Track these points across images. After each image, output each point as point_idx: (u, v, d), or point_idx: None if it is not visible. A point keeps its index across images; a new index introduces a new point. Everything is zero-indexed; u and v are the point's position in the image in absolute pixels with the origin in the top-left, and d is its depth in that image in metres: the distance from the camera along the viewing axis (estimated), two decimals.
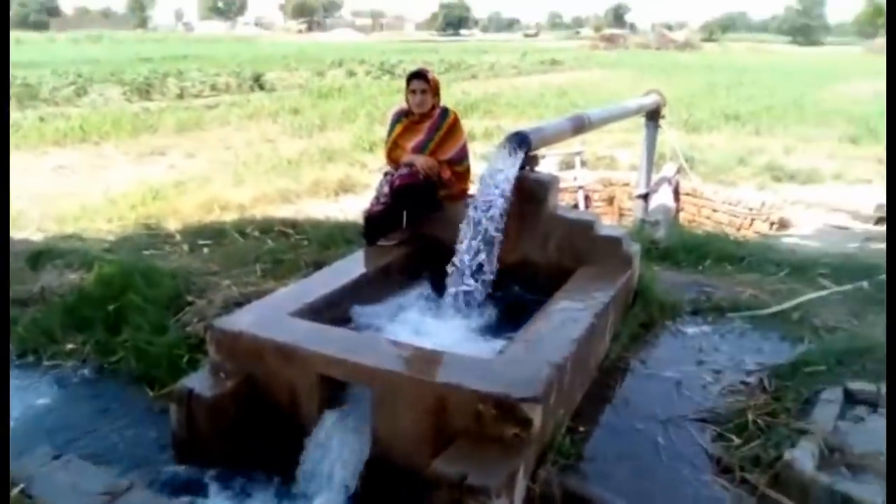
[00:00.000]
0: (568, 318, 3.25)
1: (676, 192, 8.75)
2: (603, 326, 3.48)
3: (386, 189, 4.20)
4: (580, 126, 5.22)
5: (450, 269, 3.81)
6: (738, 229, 8.25)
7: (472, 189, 4.36)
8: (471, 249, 3.80)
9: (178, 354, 3.72)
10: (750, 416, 2.99)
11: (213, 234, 5.46)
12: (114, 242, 5.37)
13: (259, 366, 3.01)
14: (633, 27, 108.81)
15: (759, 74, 29.27)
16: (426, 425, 2.67)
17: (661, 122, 7.91)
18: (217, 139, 12.76)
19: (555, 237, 4.08)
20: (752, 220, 8.17)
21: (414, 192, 4.11)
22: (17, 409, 3.33)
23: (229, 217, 6.14)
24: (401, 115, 4.34)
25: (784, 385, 3.22)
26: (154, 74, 22.35)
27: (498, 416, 2.54)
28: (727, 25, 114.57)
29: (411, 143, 4.25)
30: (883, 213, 7.36)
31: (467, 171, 4.41)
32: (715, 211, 8.65)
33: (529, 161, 4.15)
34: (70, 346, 3.97)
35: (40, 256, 4.77)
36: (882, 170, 9.35)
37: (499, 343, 3.40)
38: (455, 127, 4.31)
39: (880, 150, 11.01)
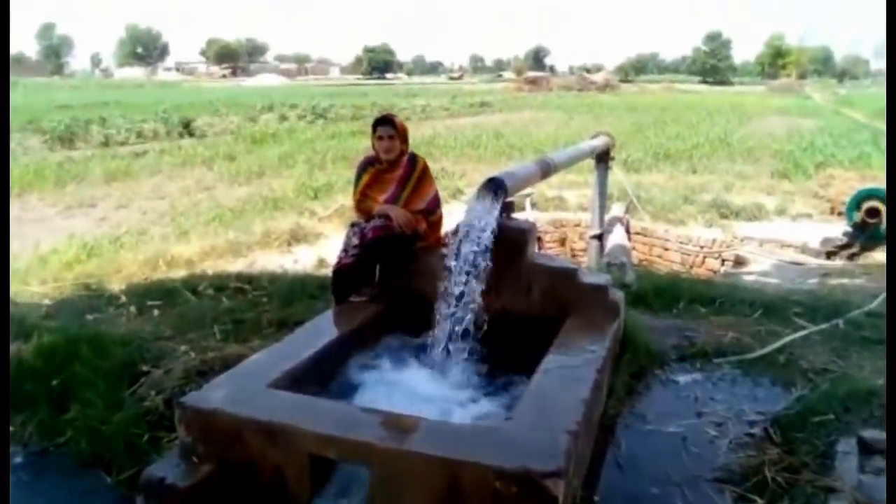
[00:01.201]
0: (570, 375, 3.05)
1: (627, 232, 8.79)
2: (602, 381, 3.31)
3: (356, 241, 3.96)
4: (547, 170, 5.12)
5: (434, 325, 3.58)
6: (691, 267, 8.33)
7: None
8: (453, 303, 3.58)
9: (136, 433, 3.34)
10: (768, 474, 2.85)
11: (163, 293, 5.05)
12: (51, 307, 4.89)
13: (238, 448, 2.69)
14: (552, 69, 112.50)
15: (679, 113, 30.48)
16: None
17: (611, 162, 7.95)
18: (149, 188, 12.18)
19: (538, 286, 3.91)
20: (704, 257, 8.27)
21: (388, 243, 3.89)
22: None
23: (178, 274, 5.73)
24: (367, 164, 4.14)
25: (794, 436, 3.10)
26: (75, 122, 21.40)
27: (519, 495, 2.30)
28: (640, 67, 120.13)
29: (383, 196, 4.04)
30: (830, 248, 7.58)
31: (440, 219, 4.24)
32: (666, 249, 8.73)
33: (507, 208, 4.00)
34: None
35: None
36: (819, 204, 9.71)
37: (496, 403, 3.19)
38: (425, 175, 4.15)
39: (811, 184, 11.49)
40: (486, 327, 3.57)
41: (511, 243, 3.84)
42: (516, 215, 4.48)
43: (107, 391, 3.58)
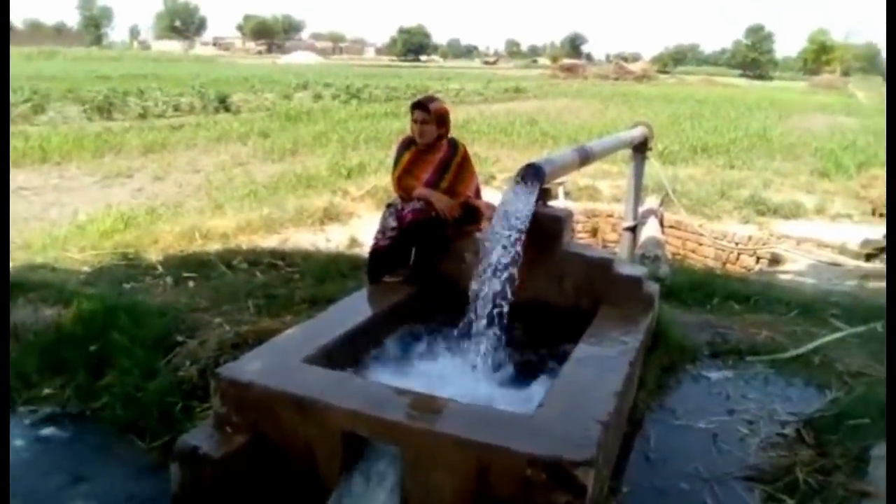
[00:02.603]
0: (603, 366, 3.03)
1: (661, 225, 8.69)
2: (634, 373, 3.28)
3: (393, 223, 3.96)
4: (585, 158, 5.07)
5: (467, 310, 3.58)
6: (724, 264, 8.21)
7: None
8: (488, 290, 3.57)
9: (170, 402, 3.41)
10: (800, 475, 2.82)
11: (198, 265, 5.12)
12: (90, 274, 4.98)
13: (272, 420, 2.72)
14: (589, 57, 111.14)
15: (717, 106, 29.90)
16: (465, 492, 2.40)
17: (648, 154, 7.85)
18: (185, 161, 12.33)
19: (571, 276, 3.89)
20: (739, 254, 8.15)
21: (426, 227, 3.89)
22: None
23: (213, 247, 5.79)
24: (409, 144, 4.11)
25: (828, 439, 3.06)
26: (114, 93, 21.66)
27: (548, 483, 2.30)
28: (679, 58, 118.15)
29: (423, 176, 4.02)
30: (870, 250, 7.41)
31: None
32: (700, 244, 8.61)
33: (543, 195, 3.97)
34: (48, 390, 3.64)
35: (11, 289, 4.37)
36: (860, 205, 9.49)
37: (526, 391, 3.18)
38: (466, 161, 4.12)
39: (852, 184, 11.23)
40: (518, 314, 3.56)
41: (546, 231, 3.83)
42: (550, 203, 4.45)
43: (143, 359, 3.67)
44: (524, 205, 3.65)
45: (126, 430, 3.37)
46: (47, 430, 3.43)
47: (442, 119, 4.03)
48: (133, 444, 3.29)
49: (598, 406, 2.67)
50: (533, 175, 3.77)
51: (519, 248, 3.54)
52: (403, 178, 4.03)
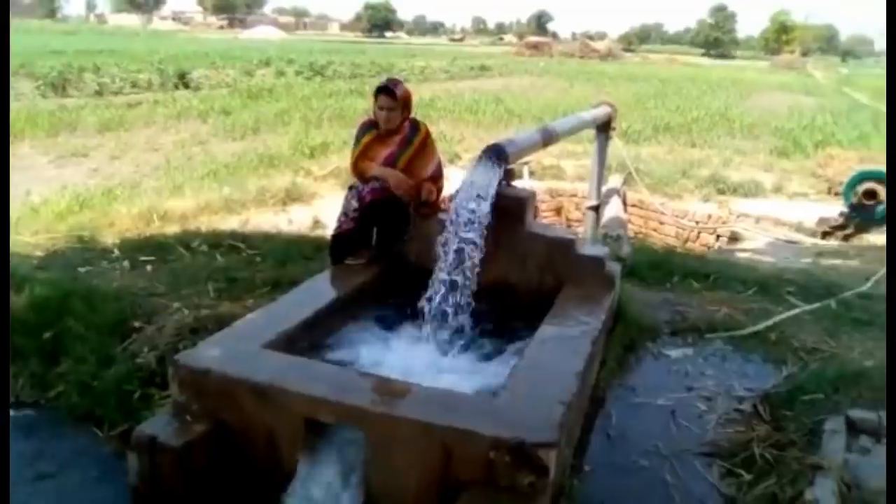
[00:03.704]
0: (565, 347, 3.06)
1: (623, 204, 8.76)
2: (596, 353, 3.32)
3: (356, 204, 3.91)
4: (548, 138, 5.04)
5: (428, 292, 3.56)
6: (685, 241, 8.33)
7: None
8: (449, 271, 3.56)
9: (128, 389, 3.35)
10: (756, 450, 2.89)
11: (156, 248, 5.00)
12: (43, 258, 4.84)
13: (232, 408, 2.68)
14: (555, 35, 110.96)
15: (680, 85, 30.18)
16: (429, 475, 2.41)
17: (612, 133, 7.87)
18: (143, 140, 12.00)
19: (534, 256, 3.91)
20: (699, 232, 8.27)
21: (385, 207, 3.86)
22: None
23: (171, 229, 5.67)
24: (369, 126, 4.05)
25: (783, 414, 3.14)
26: (69, 69, 20.95)
27: (512, 464, 2.31)
28: (644, 37, 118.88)
29: (381, 155, 3.98)
30: (825, 228, 7.58)
31: (441, 188, 4.19)
32: (662, 223, 8.71)
33: (507, 175, 3.96)
34: None
35: None
36: (817, 184, 9.69)
37: (489, 373, 3.19)
38: (427, 141, 4.07)
39: (809, 163, 11.45)
40: (481, 296, 3.56)
41: (509, 212, 3.83)
42: (515, 183, 4.44)
43: (99, 346, 3.59)
44: (487, 185, 3.64)
45: (83, 418, 3.30)
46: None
47: (407, 103, 3.99)
48: (91, 433, 3.22)
49: (561, 388, 2.68)
50: (496, 156, 3.76)
51: (481, 231, 3.53)
52: (360, 161, 3.99)
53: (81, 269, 4.56)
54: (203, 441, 2.65)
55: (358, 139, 4.06)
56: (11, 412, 3.35)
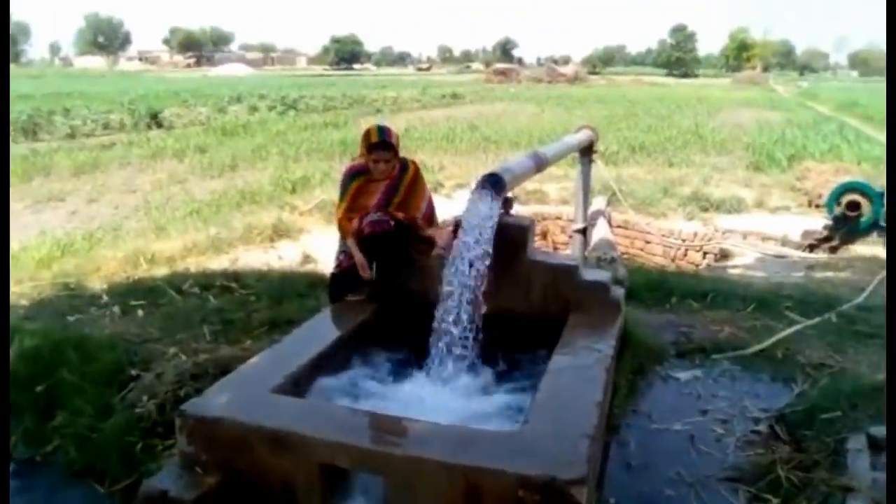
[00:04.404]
0: (581, 376, 3.00)
1: (609, 225, 8.77)
2: (609, 381, 3.26)
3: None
4: (540, 164, 5.04)
5: (433, 326, 3.50)
6: (673, 260, 8.36)
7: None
8: (454, 303, 3.50)
9: (129, 441, 3.21)
10: (781, 473, 2.83)
11: (146, 292, 4.88)
12: (30, 307, 4.69)
13: (245, 457, 2.58)
14: (521, 61, 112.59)
15: (648, 105, 30.70)
16: None
17: (594, 156, 7.92)
18: (119, 181, 11.87)
19: (538, 284, 3.86)
20: (687, 250, 8.30)
21: (384, 240, 3.79)
22: None
23: (160, 272, 5.53)
24: (357, 173, 3.84)
25: (802, 434, 3.10)
26: (38, 113, 20.78)
27: (542, 502, 2.24)
28: (608, 59, 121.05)
29: (373, 199, 3.83)
30: (811, 240, 7.65)
31: (436, 221, 4.13)
32: (648, 242, 8.74)
33: (506, 204, 3.93)
34: None
35: None
36: (797, 197, 9.82)
37: (503, 405, 3.13)
38: (417, 179, 3.98)
39: (786, 177, 11.63)
40: (486, 326, 3.50)
41: (511, 240, 3.78)
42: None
43: (96, 397, 3.46)
44: (488, 215, 3.60)
45: (82, 474, 3.15)
46: None
47: (398, 146, 3.87)
48: (91, 489, 3.08)
49: (583, 419, 2.62)
50: (494, 185, 3.72)
51: (484, 261, 3.49)
52: (347, 217, 3.82)
53: (71, 318, 4.43)
54: (216, 493, 2.54)
55: (345, 188, 3.87)
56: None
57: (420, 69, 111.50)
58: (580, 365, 3.12)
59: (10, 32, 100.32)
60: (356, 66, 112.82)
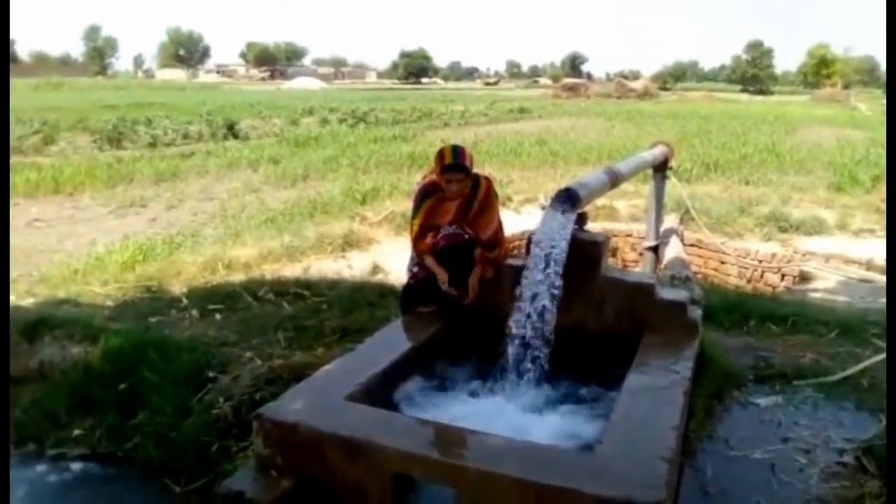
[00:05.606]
0: (658, 397, 2.93)
1: (681, 243, 8.57)
2: (687, 403, 3.17)
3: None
4: (615, 179, 4.99)
5: (505, 341, 3.48)
6: (749, 281, 8.09)
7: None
8: (529, 318, 3.48)
9: (205, 441, 3.30)
10: None
11: (224, 297, 5.03)
12: (114, 309, 4.90)
13: (319, 463, 2.62)
14: (589, 76, 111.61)
15: (723, 122, 29.85)
16: None
17: (669, 172, 7.77)
18: (197, 189, 12.30)
19: (612, 301, 3.80)
20: (763, 272, 8.03)
21: (460, 251, 3.80)
22: None
23: (237, 277, 5.71)
24: (430, 191, 3.83)
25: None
26: (122, 122, 21.74)
27: None
28: (679, 75, 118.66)
29: (446, 217, 3.84)
30: None
31: (503, 240, 4.08)
32: (723, 263, 8.49)
33: (579, 219, 3.89)
34: (77, 431, 3.53)
35: (36, 326, 4.29)
36: (882, 219, 9.36)
37: (576, 424, 3.08)
38: (489, 197, 3.91)
39: (870, 198, 11.10)
40: (559, 342, 3.46)
41: (585, 257, 3.73)
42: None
43: (175, 397, 3.56)
44: (561, 230, 3.57)
45: (159, 472, 3.25)
46: (78, 473, 3.33)
47: (472, 165, 3.80)
48: (167, 487, 3.17)
49: (660, 442, 2.56)
50: (568, 200, 3.70)
51: (557, 277, 3.45)
52: (421, 237, 3.84)
53: (152, 319, 4.60)
54: (290, 496, 2.59)
55: (418, 206, 3.84)
56: (90, 463, 3.35)
57: (488, 84, 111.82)
58: (657, 386, 3.05)
59: (99, 47, 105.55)
60: (424, 80, 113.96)
